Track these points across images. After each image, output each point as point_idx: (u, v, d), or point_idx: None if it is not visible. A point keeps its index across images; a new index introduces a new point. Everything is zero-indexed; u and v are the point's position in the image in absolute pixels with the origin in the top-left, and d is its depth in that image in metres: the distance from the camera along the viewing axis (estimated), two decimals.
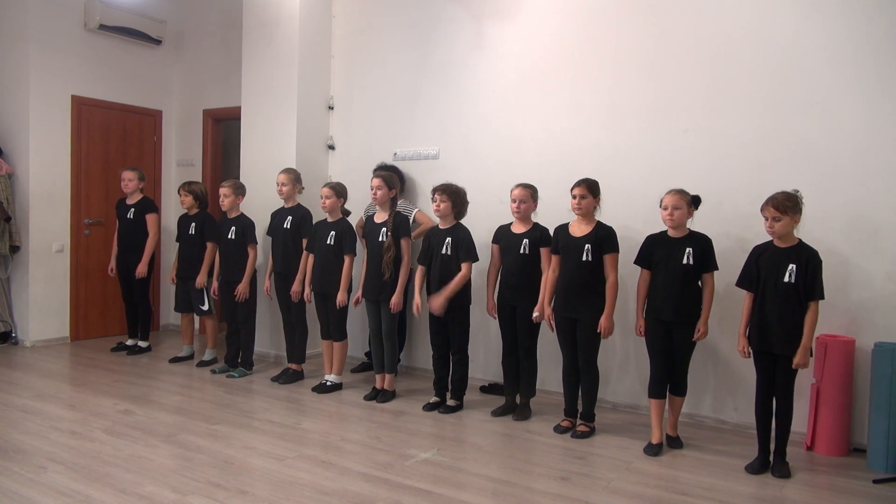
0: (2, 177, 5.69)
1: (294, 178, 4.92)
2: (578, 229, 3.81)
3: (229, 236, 5.02)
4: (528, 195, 4.04)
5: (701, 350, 4.00)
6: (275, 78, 5.53)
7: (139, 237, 5.56)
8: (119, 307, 5.99)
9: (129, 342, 5.79)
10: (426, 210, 5.01)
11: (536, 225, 4.08)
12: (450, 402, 4.29)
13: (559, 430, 3.90)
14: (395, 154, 5.37)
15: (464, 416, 4.19)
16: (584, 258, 3.72)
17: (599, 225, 3.80)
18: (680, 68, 4.24)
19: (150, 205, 5.66)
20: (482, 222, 4.53)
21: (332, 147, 5.75)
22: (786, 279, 3.25)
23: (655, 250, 3.64)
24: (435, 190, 4.21)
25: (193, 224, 5.28)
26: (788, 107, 3.92)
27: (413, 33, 5.31)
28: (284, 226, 4.84)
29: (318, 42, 5.62)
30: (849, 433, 3.69)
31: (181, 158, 6.86)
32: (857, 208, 3.74)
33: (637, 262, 3.72)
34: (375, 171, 4.62)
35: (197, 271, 5.20)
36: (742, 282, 3.45)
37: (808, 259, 3.26)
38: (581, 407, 3.90)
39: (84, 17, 6.05)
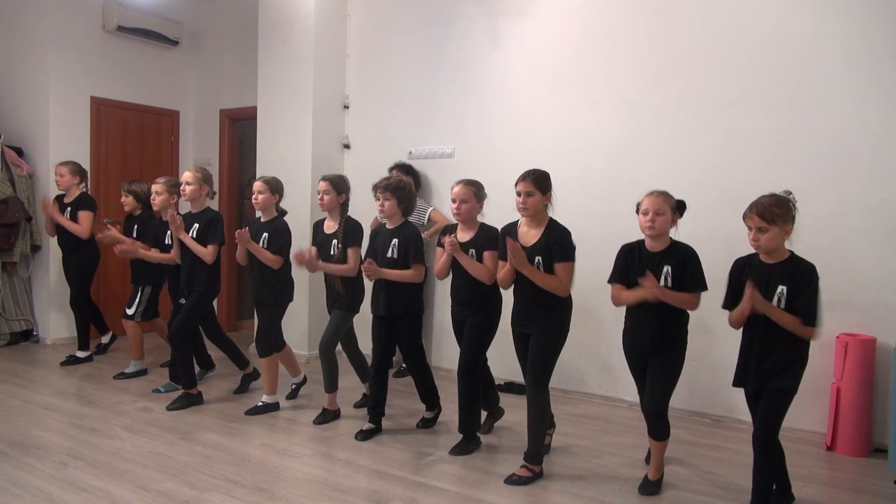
0: (23, 177, 5.77)
1: (202, 178, 4.24)
2: (527, 234, 3.16)
3: (166, 241, 4.46)
4: (471, 193, 3.40)
5: (716, 348, 3.96)
6: (290, 77, 5.56)
7: (80, 238, 5.07)
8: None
9: (80, 354, 5.32)
10: (444, 209, 5.02)
11: (483, 227, 3.47)
12: (426, 415, 3.91)
13: (511, 480, 3.13)
14: (410, 153, 5.38)
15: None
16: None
17: (551, 227, 3.12)
18: (695, 65, 4.21)
19: (84, 202, 5.13)
20: (497, 221, 4.52)
21: (347, 146, 5.77)
22: (773, 303, 2.64)
23: (631, 265, 3.01)
24: (376, 187, 3.65)
25: (136, 226, 4.86)
26: (805, 103, 3.88)
27: (427, 32, 5.31)
28: (191, 235, 4.17)
29: (333, 41, 5.64)
30: (870, 433, 3.64)
31: (198, 158, 6.92)
32: (875, 205, 3.69)
33: (612, 279, 3.07)
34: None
35: (145, 275, 4.73)
36: (728, 303, 2.83)
37: (802, 277, 2.63)
38: (528, 445, 3.21)
39: (102, 18, 6.12)
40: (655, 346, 2.97)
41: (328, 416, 3.99)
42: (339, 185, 3.85)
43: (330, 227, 3.88)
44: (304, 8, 5.46)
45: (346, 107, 5.76)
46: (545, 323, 3.14)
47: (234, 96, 6.60)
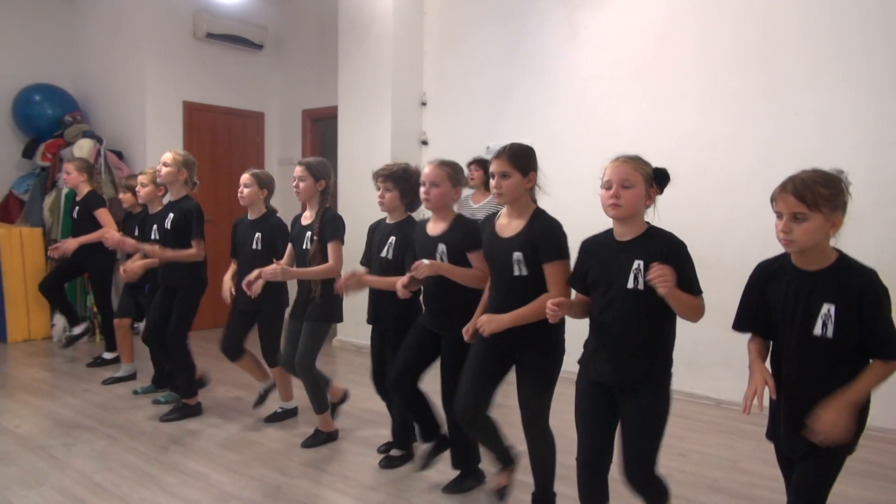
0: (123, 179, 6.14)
1: (182, 162, 3.85)
2: (507, 226, 2.51)
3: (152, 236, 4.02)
4: (444, 176, 2.77)
5: None
6: (369, 77, 5.68)
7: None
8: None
9: (77, 330, 5.19)
10: None
11: (459, 219, 2.83)
12: (394, 453, 3.30)
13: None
14: (488, 148, 5.38)
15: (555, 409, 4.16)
16: (515, 272, 2.41)
17: (536, 218, 2.47)
18: (785, 48, 4.02)
19: (95, 200, 4.98)
20: (575, 216, 4.46)
21: (425, 142, 5.84)
22: (817, 331, 1.79)
23: (592, 264, 2.21)
24: (376, 175, 3.08)
25: (138, 227, 4.46)
26: None
27: (504, 26, 5.30)
28: (165, 225, 3.81)
29: (411, 40, 5.72)
30: None
31: (282, 158, 7.17)
32: None
33: (570, 282, 2.34)
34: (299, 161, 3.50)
35: (149, 276, 4.19)
36: (741, 323, 2.02)
37: (862, 294, 1.75)
38: (534, 486, 2.72)
39: (193, 26, 6.43)
40: (623, 380, 2.12)
41: (320, 437, 3.52)
42: (316, 171, 3.35)
43: (307, 217, 3.39)
44: (383, 8, 5.56)
45: (424, 104, 5.83)
46: (536, 348, 2.47)
47: (315, 97, 6.80)
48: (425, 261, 2.62)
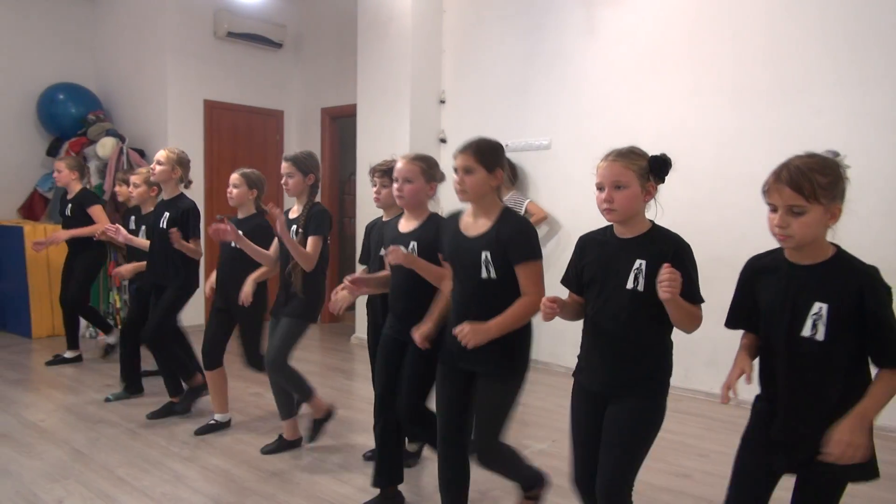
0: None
1: (175, 161, 3.85)
2: (472, 225, 2.33)
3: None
4: (418, 171, 2.59)
5: None
6: (388, 75, 5.70)
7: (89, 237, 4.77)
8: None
9: (68, 354, 5.14)
10: (540, 202, 4.99)
11: (433, 217, 2.66)
12: (410, 448, 3.25)
13: None
14: (507, 145, 5.30)
15: (557, 404, 4.15)
16: (483, 274, 2.24)
17: (504, 217, 2.29)
18: (809, 44, 3.97)
19: (89, 197, 4.95)
20: (593, 214, 4.46)
21: (444, 140, 5.84)
22: (805, 332, 1.64)
23: (589, 261, 2.05)
24: (373, 171, 3.03)
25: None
26: None
27: (523, 23, 5.29)
28: (161, 224, 3.79)
29: (430, 38, 5.72)
30: None
31: None
32: None
33: (563, 281, 2.15)
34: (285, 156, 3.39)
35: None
36: (732, 320, 1.94)
37: (863, 294, 1.58)
38: (519, 482, 2.65)
39: (213, 26, 6.49)
40: (611, 385, 1.97)
41: (283, 445, 3.43)
42: (304, 165, 3.24)
43: (295, 211, 3.31)
44: (402, 6, 5.57)
45: (443, 101, 5.83)
46: (500, 361, 2.25)
47: (334, 95, 6.82)
48: (402, 248, 2.47)
